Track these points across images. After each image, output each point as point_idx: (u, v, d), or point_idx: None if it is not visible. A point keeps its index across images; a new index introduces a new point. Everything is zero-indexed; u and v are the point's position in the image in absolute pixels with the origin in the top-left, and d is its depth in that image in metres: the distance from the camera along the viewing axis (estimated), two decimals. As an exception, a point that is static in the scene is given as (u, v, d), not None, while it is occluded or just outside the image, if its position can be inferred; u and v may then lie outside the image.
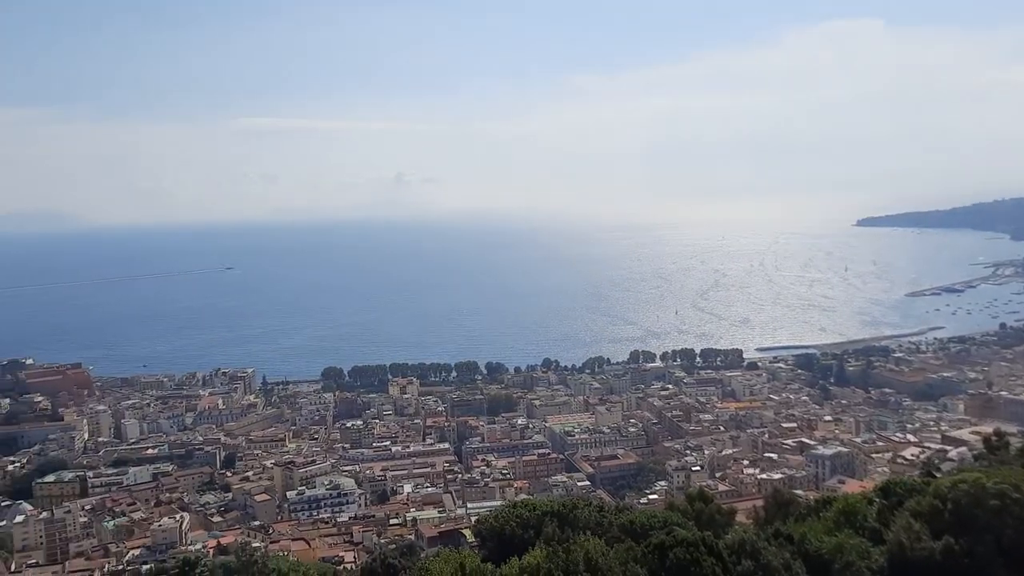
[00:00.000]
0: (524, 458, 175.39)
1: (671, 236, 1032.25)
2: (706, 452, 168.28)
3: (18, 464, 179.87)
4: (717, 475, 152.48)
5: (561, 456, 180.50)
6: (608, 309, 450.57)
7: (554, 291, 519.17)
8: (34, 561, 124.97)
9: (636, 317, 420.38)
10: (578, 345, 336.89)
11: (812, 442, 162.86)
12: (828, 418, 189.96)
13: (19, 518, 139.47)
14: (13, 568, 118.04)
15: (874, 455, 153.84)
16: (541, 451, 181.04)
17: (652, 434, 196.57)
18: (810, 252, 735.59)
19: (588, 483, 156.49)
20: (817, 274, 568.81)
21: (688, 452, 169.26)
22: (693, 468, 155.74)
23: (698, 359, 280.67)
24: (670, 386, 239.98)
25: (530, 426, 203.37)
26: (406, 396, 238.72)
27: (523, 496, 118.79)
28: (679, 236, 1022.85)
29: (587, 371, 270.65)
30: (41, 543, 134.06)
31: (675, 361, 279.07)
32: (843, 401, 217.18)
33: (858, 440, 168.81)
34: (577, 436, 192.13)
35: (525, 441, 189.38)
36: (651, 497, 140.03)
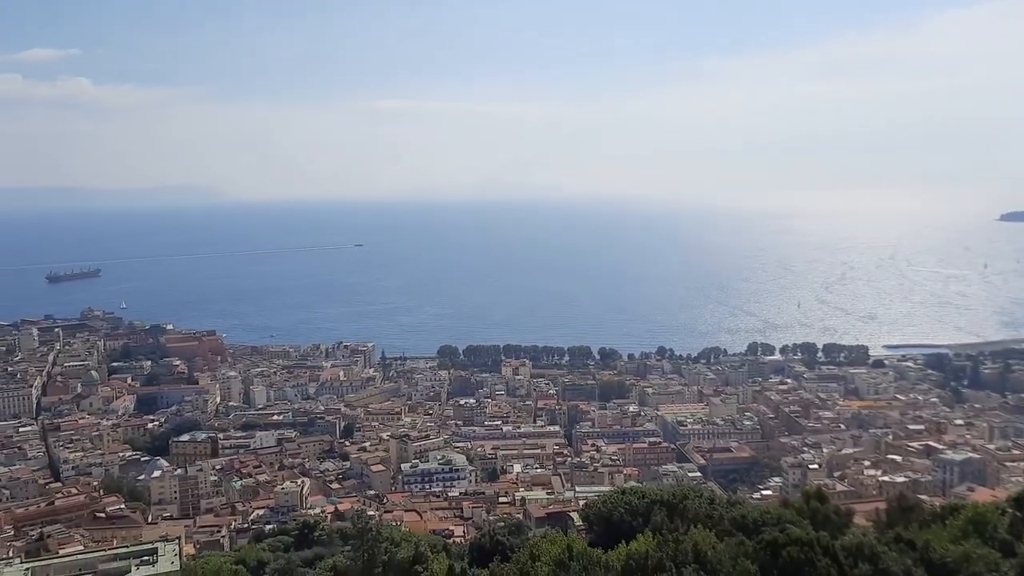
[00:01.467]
0: (634, 445, 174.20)
1: (795, 226, 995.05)
2: (825, 450, 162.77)
3: (157, 423, 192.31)
4: (835, 474, 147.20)
5: (672, 446, 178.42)
6: (727, 299, 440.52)
7: (672, 279, 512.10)
8: (168, 514, 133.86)
9: (756, 308, 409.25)
10: (694, 334, 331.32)
11: (940, 446, 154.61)
12: (959, 422, 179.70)
13: (156, 473, 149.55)
14: (150, 519, 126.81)
15: (1008, 463, 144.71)
16: (652, 439, 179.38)
17: (768, 428, 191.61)
18: (946, 247, 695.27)
19: (699, 474, 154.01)
20: (953, 270, 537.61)
21: (805, 449, 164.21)
22: (810, 466, 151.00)
23: (820, 354, 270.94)
24: (789, 380, 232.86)
25: (642, 414, 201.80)
26: (518, 377, 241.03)
27: (632, 483, 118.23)
28: (803, 226, 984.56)
29: (702, 361, 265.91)
30: (175, 497, 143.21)
31: (795, 355, 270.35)
32: (976, 405, 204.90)
33: (991, 447, 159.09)
34: (690, 426, 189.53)
35: (636, 428, 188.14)
36: (764, 493, 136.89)
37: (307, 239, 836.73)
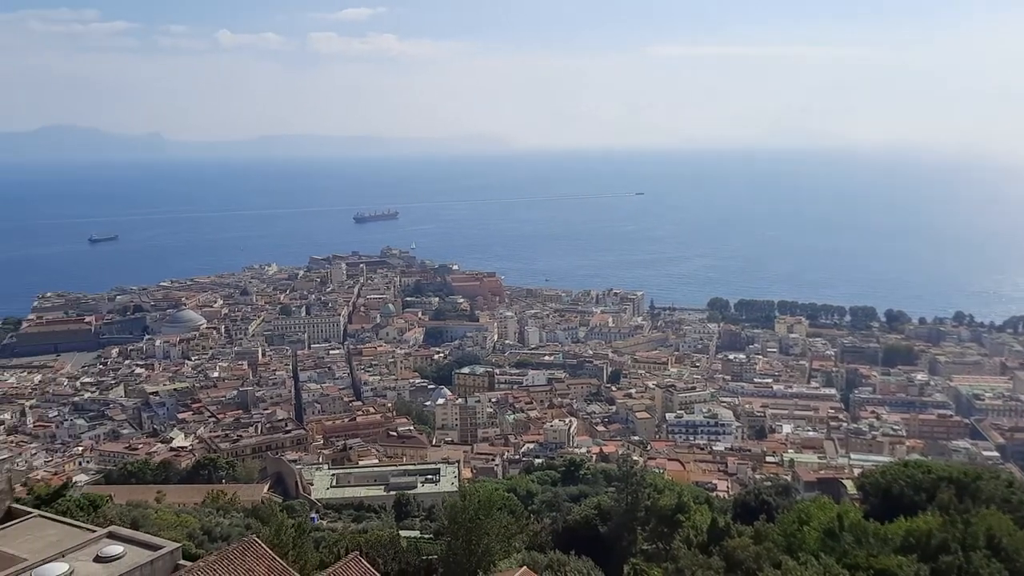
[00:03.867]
0: (920, 416, 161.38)
1: None
2: None
3: (441, 355, 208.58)
4: None
5: (965, 420, 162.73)
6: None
7: (979, 237, 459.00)
8: (449, 439, 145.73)
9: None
10: (999, 300, 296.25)
11: None
12: None
13: (440, 401, 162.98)
14: (433, 442, 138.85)
15: None
16: (942, 411, 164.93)
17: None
18: None
19: (996, 454, 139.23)
20: None
21: None
22: None
23: None
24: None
25: (931, 383, 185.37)
26: (793, 335, 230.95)
27: (915, 456, 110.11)
28: None
29: (1008, 330, 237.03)
30: (456, 424, 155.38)
31: None
32: None
33: None
34: (988, 401, 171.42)
35: (923, 398, 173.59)
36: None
37: (588, 188, 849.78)
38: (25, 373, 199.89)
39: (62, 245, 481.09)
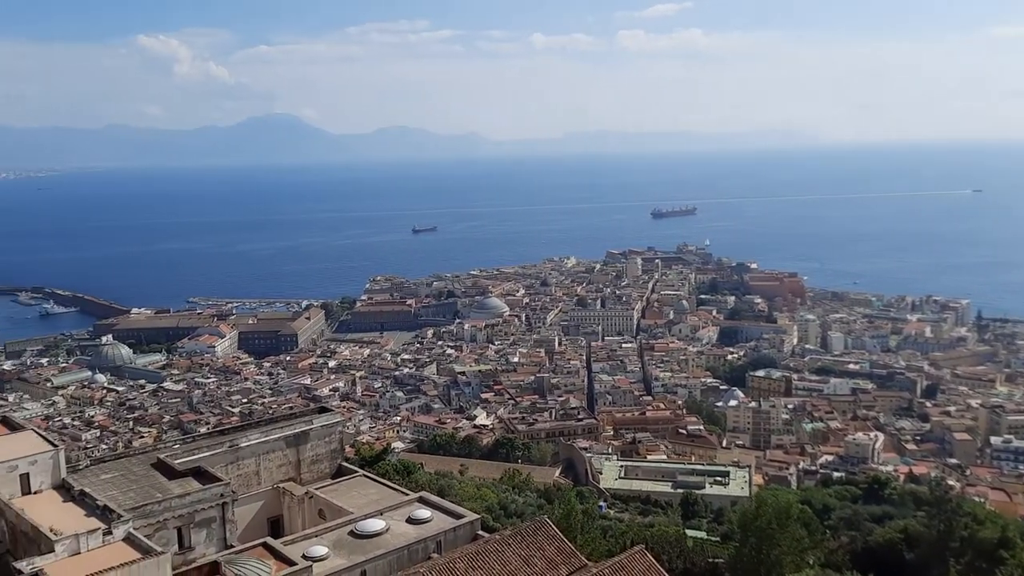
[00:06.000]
0: None
1: None
2: None
3: (735, 355, 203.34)
4: None
5: None
6: None
7: None
8: (741, 443, 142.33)
9: None
10: None
11: None
12: None
13: (732, 402, 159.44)
14: (724, 443, 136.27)
15: None
16: None
17: None
18: None
19: None
20: None
21: None
22: None
23: None
24: None
25: None
26: None
27: None
28: None
29: None
30: (748, 428, 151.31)
31: None
32: None
33: None
34: None
35: None
36: None
37: (911, 184, 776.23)
38: (357, 347, 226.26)
39: (390, 235, 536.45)
